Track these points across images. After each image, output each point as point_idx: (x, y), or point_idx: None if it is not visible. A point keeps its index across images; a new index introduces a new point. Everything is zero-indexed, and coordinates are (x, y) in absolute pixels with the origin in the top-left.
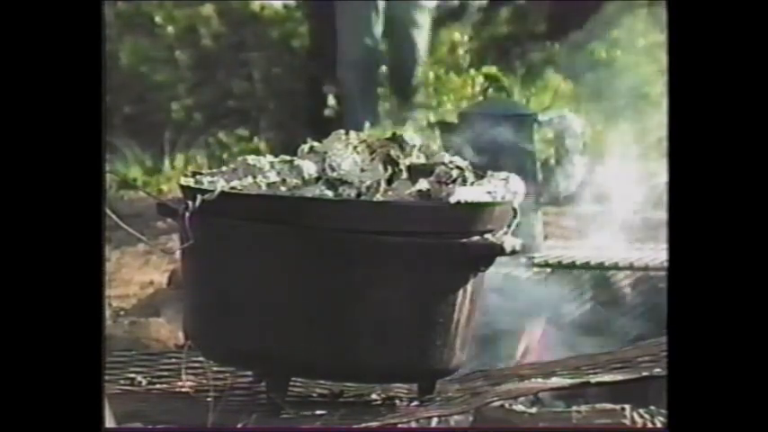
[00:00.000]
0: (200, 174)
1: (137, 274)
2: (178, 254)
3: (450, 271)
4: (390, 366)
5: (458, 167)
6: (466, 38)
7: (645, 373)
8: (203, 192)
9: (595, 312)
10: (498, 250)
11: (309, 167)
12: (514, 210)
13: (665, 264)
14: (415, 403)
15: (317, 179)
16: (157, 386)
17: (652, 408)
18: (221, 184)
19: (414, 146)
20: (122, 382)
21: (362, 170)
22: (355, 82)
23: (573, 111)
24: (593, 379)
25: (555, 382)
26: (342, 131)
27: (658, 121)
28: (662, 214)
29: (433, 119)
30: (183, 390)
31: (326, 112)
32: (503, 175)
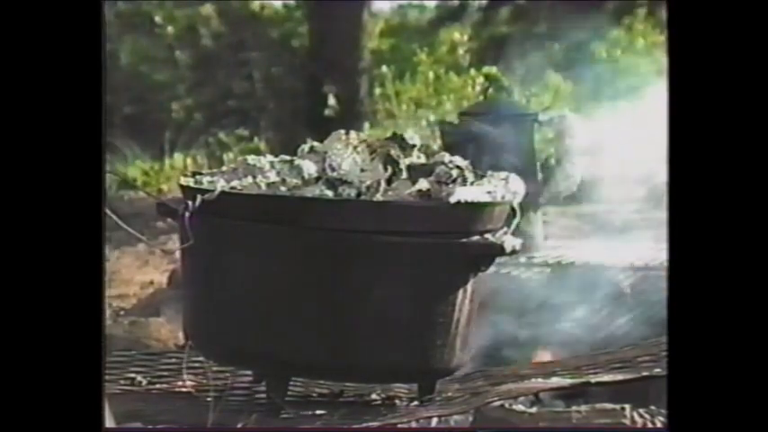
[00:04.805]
0: (200, 174)
1: (137, 274)
2: (178, 254)
3: (450, 271)
4: (390, 366)
5: (458, 167)
6: (466, 38)
7: (645, 373)
8: (203, 192)
9: (595, 312)
10: (498, 250)
11: (309, 167)
12: (514, 210)
13: (665, 264)
14: (415, 403)
15: (317, 179)
16: (157, 386)
17: (652, 408)
18: (221, 184)
19: (414, 146)
20: (122, 382)
21: (362, 170)
22: None
23: (573, 111)
24: (593, 379)
25: (555, 382)
26: (342, 131)
27: (658, 120)
28: (662, 214)
29: (432, 119)
30: (183, 390)
31: (326, 111)
32: (503, 175)
